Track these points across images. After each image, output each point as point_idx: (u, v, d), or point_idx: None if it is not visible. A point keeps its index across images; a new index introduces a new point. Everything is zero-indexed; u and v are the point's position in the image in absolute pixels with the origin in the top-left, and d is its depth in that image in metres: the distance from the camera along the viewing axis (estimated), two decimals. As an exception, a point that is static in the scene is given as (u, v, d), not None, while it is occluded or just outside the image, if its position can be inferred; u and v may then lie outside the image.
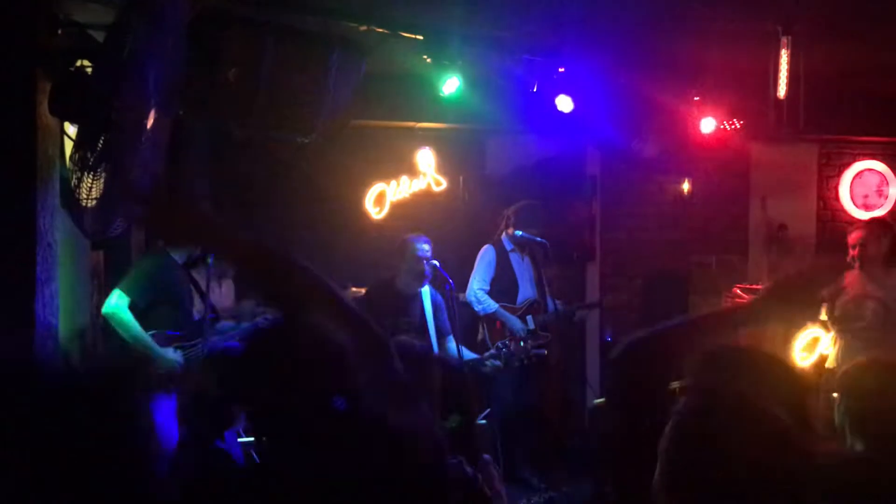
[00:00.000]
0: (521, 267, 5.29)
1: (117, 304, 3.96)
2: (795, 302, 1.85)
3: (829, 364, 5.03)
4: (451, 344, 4.71)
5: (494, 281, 5.24)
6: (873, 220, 5.35)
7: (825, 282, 1.85)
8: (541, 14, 4.27)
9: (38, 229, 3.19)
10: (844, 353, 4.88)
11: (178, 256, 4.27)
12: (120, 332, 3.97)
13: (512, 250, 5.29)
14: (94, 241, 4.14)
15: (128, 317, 3.96)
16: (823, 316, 5.02)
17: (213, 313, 4.48)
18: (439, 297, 4.94)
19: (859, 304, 4.84)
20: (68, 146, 3.26)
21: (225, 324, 4.86)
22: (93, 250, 4.44)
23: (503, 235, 5.34)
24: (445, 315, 4.86)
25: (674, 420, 1.45)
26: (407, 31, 4.08)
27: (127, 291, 4.00)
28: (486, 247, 5.35)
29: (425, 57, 4.20)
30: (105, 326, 4.35)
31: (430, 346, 4.58)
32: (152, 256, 4.30)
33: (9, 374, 1.36)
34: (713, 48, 4.95)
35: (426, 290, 4.85)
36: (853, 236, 4.90)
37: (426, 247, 4.76)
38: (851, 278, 4.91)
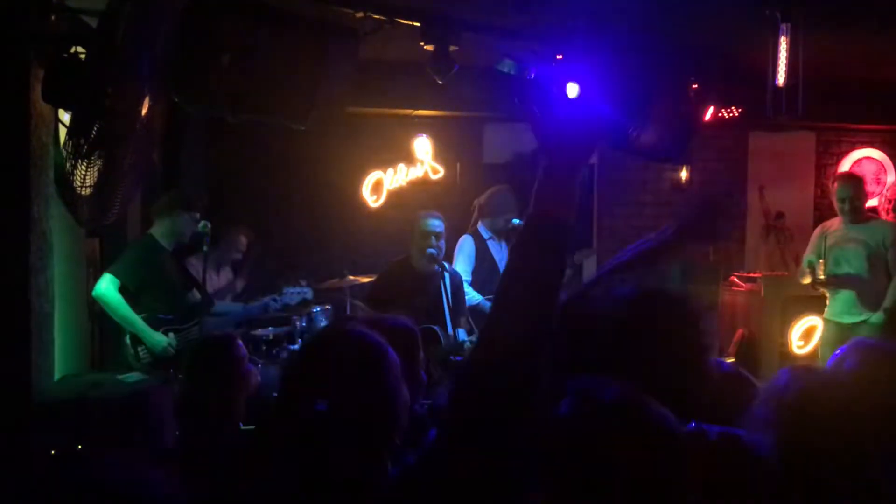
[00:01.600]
0: (501, 254, 5.24)
1: (106, 286, 4.08)
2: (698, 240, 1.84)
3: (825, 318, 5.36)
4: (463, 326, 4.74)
5: (475, 271, 5.19)
6: (854, 174, 5.73)
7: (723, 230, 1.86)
8: (539, 0, 4.25)
9: (33, 217, 3.17)
10: (834, 306, 5.24)
11: (166, 243, 4.35)
12: (109, 313, 4.11)
13: (490, 238, 5.23)
14: (89, 228, 4.13)
15: (116, 298, 4.08)
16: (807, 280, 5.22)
17: (206, 298, 4.49)
18: (459, 277, 4.90)
19: (844, 248, 5.16)
20: (62, 133, 3.24)
21: (222, 305, 4.86)
22: (88, 238, 4.43)
23: (479, 224, 5.28)
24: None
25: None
26: (404, 17, 4.05)
27: (116, 274, 4.11)
28: (463, 237, 5.27)
29: (422, 44, 4.17)
30: (102, 312, 4.38)
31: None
32: (141, 242, 4.42)
33: None
34: (712, 35, 4.93)
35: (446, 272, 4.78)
36: (839, 188, 5.22)
37: (435, 222, 4.70)
38: (837, 228, 5.27)
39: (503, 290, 1.39)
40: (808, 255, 5.36)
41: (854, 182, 5.29)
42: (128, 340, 4.16)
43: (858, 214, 5.18)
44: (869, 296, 5.09)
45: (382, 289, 4.77)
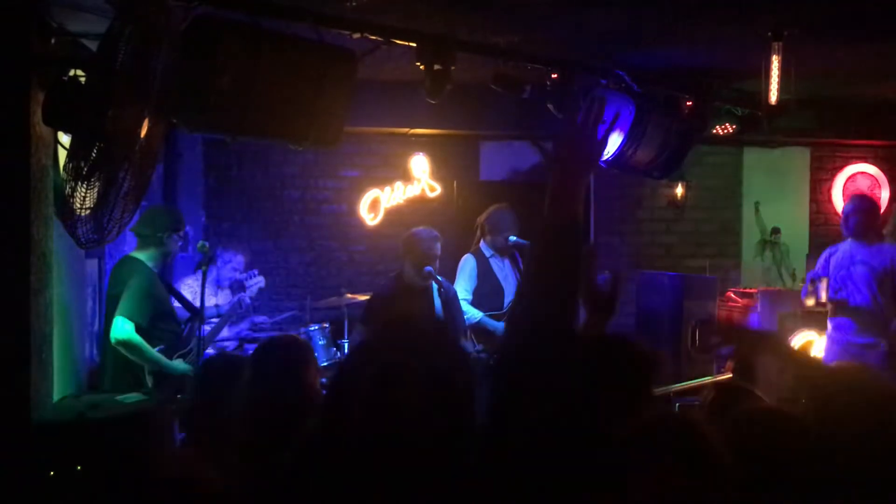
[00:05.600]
0: (504, 271, 5.26)
1: (125, 330, 3.97)
2: None
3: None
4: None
5: (477, 289, 5.21)
6: (864, 195, 5.74)
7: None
8: (533, 20, 4.29)
9: (32, 238, 3.18)
10: (842, 325, 5.18)
11: (153, 265, 4.23)
12: (133, 357, 4.00)
13: (492, 256, 5.26)
14: (89, 249, 4.14)
15: (140, 341, 4.00)
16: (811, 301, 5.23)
17: (198, 312, 4.46)
18: (453, 291, 4.90)
19: (850, 270, 5.13)
20: (62, 155, 3.26)
21: (211, 323, 4.86)
22: (88, 258, 4.44)
23: (481, 243, 5.32)
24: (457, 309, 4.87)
25: None
26: (400, 37, 4.09)
27: (131, 316, 4.01)
28: (465, 256, 5.32)
29: (418, 64, 4.21)
30: (101, 333, 4.38)
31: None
32: (139, 274, 4.17)
33: None
34: (706, 53, 4.98)
35: (436, 285, 4.79)
36: (846, 208, 5.24)
37: (437, 245, 4.75)
38: (843, 248, 5.25)
39: (532, 274, 1.70)
40: (811, 274, 5.32)
41: (863, 201, 5.26)
42: (147, 380, 4.04)
43: (863, 235, 5.12)
44: (876, 322, 5.02)
45: (375, 306, 4.81)
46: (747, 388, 2.27)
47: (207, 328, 4.69)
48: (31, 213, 3.17)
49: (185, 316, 4.49)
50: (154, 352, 4.05)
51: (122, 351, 3.99)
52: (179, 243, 4.40)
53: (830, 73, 5.41)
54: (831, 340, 5.29)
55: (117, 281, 4.15)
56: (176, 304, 4.51)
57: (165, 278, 4.63)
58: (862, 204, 5.21)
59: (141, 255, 4.22)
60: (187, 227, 4.85)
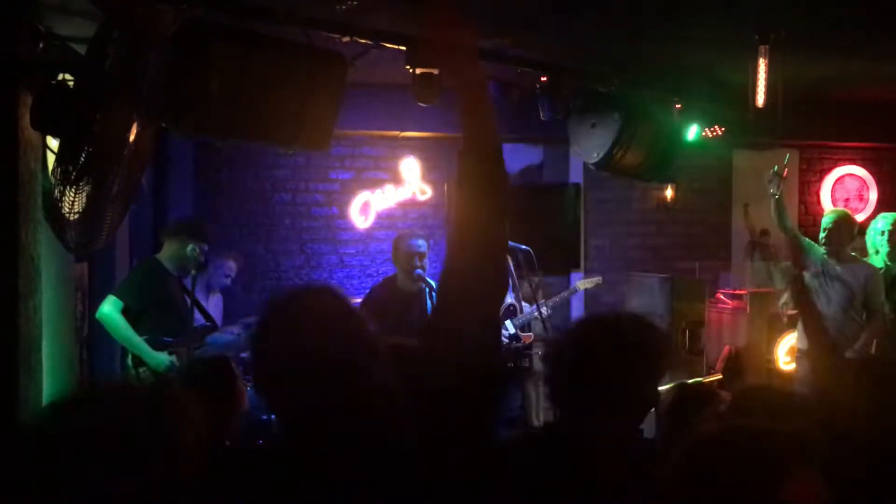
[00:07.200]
0: None
1: (108, 308, 4.25)
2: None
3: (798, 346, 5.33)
4: None
5: None
6: (842, 210, 5.69)
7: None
8: (523, 24, 4.31)
9: (21, 242, 3.17)
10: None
11: (171, 267, 4.49)
12: (112, 334, 4.27)
13: None
14: (78, 253, 4.15)
15: (117, 319, 4.22)
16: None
17: (209, 323, 4.59)
18: None
19: (827, 282, 5.14)
20: (51, 159, 3.25)
21: (217, 336, 4.87)
22: (77, 262, 4.44)
23: None
24: None
25: None
26: (390, 41, 4.10)
27: (119, 297, 4.28)
28: None
29: (408, 67, 4.22)
30: (90, 337, 4.42)
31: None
32: (145, 265, 4.57)
33: None
34: (694, 56, 5.00)
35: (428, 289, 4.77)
36: (824, 221, 5.27)
37: (419, 242, 4.72)
38: (825, 257, 5.22)
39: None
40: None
41: (838, 217, 5.20)
42: (129, 362, 4.27)
43: (838, 252, 5.08)
44: (844, 338, 4.96)
45: (368, 310, 4.79)
46: (710, 389, 2.25)
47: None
48: (19, 218, 3.15)
49: (201, 323, 4.60)
50: (132, 334, 4.23)
51: (104, 325, 4.26)
52: (198, 255, 4.53)
53: (818, 75, 5.44)
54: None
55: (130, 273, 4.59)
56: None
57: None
58: (840, 220, 5.17)
59: (160, 255, 4.56)
60: None
